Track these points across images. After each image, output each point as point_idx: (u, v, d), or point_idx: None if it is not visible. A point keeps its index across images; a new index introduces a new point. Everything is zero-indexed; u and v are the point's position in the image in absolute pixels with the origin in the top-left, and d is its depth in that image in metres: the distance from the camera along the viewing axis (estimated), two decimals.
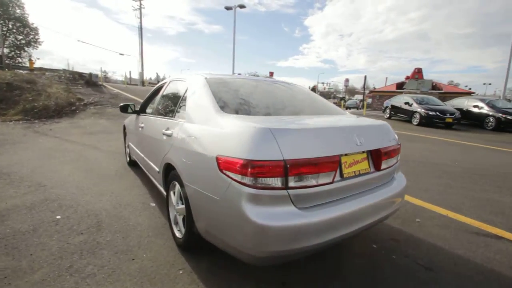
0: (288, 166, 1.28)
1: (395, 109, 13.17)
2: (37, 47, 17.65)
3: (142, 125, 2.87)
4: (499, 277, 1.80)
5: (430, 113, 10.75)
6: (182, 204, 1.86)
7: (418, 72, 32.55)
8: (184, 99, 2.12)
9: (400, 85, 33.18)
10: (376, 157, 1.71)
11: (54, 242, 2.00)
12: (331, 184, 1.43)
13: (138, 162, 3.34)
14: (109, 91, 13.48)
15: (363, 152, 1.63)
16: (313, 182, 1.37)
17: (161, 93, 2.74)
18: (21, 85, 9.57)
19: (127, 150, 4.14)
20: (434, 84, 30.62)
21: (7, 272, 1.64)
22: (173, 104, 2.35)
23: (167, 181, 2.16)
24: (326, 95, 63.99)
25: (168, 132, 2.04)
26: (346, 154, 1.52)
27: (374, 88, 41.34)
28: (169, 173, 2.08)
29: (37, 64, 15.86)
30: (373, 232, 2.29)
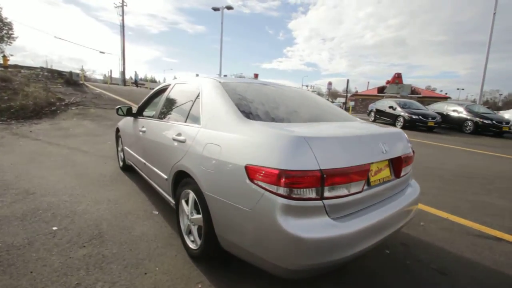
0: (324, 176, 1.25)
1: (379, 113, 13.59)
2: (10, 43, 16.52)
3: (144, 129, 2.74)
4: (509, 280, 1.87)
5: (414, 117, 11.19)
6: (198, 213, 1.78)
7: (398, 77, 33.91)
8: (196, 103, 2.03)
9: (381, 89, 34.41)
10: (396, 164, 1.72)
11: (55, 257, 1.84)
12: (360, 193, 1.42)
13: (136, 167, 3.19)
14: (91, 91, 12.90)
15: (386, 159, 1.63)
16: (345, 192, 1.35)
17: (165, 96, 2.63)
18: None
19: (121, 154, 3.96)
20: (413, 88, 32.01)
21: None
22: (182, 108, 2.25)
23: (176, 188, 2.06)
24: None
25: (181, 138, 1.95)
26: (372, 162, 1.51)
27: (357, 91, 42.54)
28: (180, 180, 1.99)
29: (10, 61, 14.86)
30: None
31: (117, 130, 4.05)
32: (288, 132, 1.33)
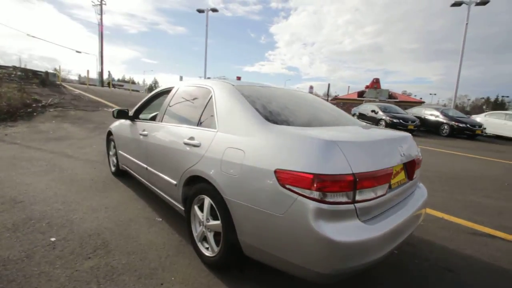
0: (357, 179, 1.26)
1: (362, 116, 14.04)
2: None
3: (145, 132, 2.64)
4: (508, 274, 1.98)
5: (394, 120, 11.68)
6: (215, 219, 1.74)
7: (376, 82, 35.27)
8: (209, 107, 1.99)
9: (361, 94, 35.62)
10: (410, 167, 1.77)
11: (59, 270, 1.72)
12: (384, 196, 1.45)
13: (133, 173, 3.06)
14: (70, 92, 12.27)
15: (404, 162, 1.68)
16: (373, 195, 1.37)
17: (169, 99, 2.55)
18: None
19: (113, 159, 3.79)
20: (390, 93, 33.44)
21: None
22: (192, 112, 2.19)
23: (187, 194, 2.00)
24: None
25: (194, 142, 1.89)
26: (394, 166, 1.55)
27: (337, 95, 43.77)
28: (192, 186, 1.94)
29: None
30: None
31: (109, 134, 3.87)
32: (320, 137, 1.34)
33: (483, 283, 1.86)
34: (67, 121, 8.31)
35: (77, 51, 29.27)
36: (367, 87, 36.19)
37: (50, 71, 13.26)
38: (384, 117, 12.24)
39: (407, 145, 1.78)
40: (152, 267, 1.81)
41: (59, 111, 9.06)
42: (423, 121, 12.54)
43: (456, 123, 11.18)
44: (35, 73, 12.50)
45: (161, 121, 2.51)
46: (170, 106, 2.51)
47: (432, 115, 12.48)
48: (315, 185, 1.23)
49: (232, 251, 1.63)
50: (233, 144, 1.61)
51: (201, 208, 1.90)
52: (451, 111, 12.68)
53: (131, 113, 3.22)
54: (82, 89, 13.91)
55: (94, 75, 33.58)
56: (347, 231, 1.25)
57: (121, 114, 3.15)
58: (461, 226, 2.78)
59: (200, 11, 19.60)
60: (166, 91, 2.82)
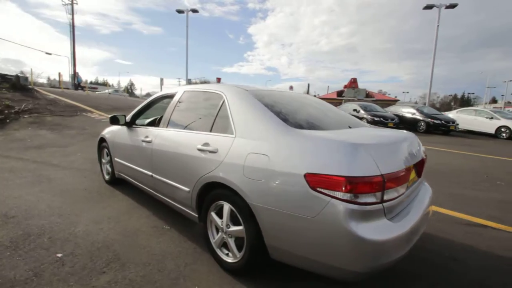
0: (385, 180, 1.32)
1: None
2: None
3: (148, 139, 2.56)
4: (506, 261, 2.15)
5: (375, 118, 12.15)
6: (237, 225, 1.73)
7: (354, 82, 36.54)
8: (223, 112, 1.98)
9: (339, 93, 36.72)
10: (419, 165, 1.88)
11: (75, 287, 1.63)
12: (404, 194, 1.53)
13: (134, 181, 2.96)
14: (44, 97, 11.56)
15: (416, 162, 1.77)
16: (396, 194, 1.44)
17: (174, 104, 2.49)
18: None
19: (106, 166, 3.64)
20: (367, 92, 34.77)
21: None
22: (203, 117, 2.17)
23: (202, 201, 1.98)
24: None
25: (210, 148, 1.88)
26: (411, 165, 1.64)
27: (317, 95, 44.76)
28: (208, 192, 1.92)
29: None
30: None
31: (101, 140, 3.71)
32: (349, 141, 1.39)
33: (488, 269, 2.01)
34: (44, 127, 7.84)
35: (47, 53, 27.61)
36: (345, 86, 37.37)
37: (21, 74, 12.40)
38: (365, 116, 12.70)
39: (416, 144, 1.89)
40: (172, 277, 1.77)
41: (35, 117, 8.53)
42: (401, 119, 13.16)
43: (432, 120, 11.85)
44: (4, 77, 11.66)
45: (167, 127, 2.46)
46: (175, 112, 2.46)
47: (409, 112, 13.13)
48: (347, 188, 1.27)
49: (257, 256, 1.64)
50: (256, 149, 1.62)
51: (218, 214, 1.89)
52: (426, 109, 13.41)
53: (128, 118, 3.11)
54: (56, 93, 13.15)
55: (66, 78, 31.90)
56: (378, 230, 1.30)
57: (118, 120, 3.03)
58: (455, 217, 2.97)
59: (179, 11, 19.24)
60: (168, 96, 2.76)
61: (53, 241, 2.14)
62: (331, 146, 1.40)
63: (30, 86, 12.66)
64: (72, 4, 28.06)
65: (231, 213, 1.77)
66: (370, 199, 1.30)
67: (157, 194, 2.54)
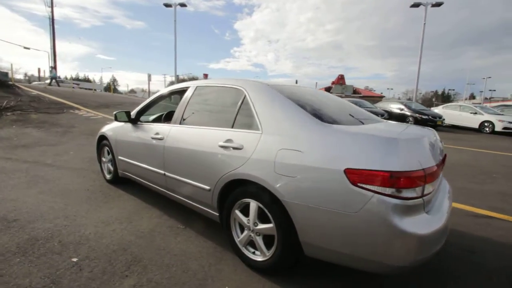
0: (426, 174, 1.32)
1: None
2: None
3: (160, 136, 2.46)
4: None
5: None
6: (264, 223, 1.69)
7: (341, 78, 37.07)
8: (245, 108, 1.92)
9: (327, 89, 37.13)
10: (443, 160, 1.90)
11: None
12: (435, 188, 1.53)
13: (142, 180, 2.85)
14: (26, 93, 10.98)
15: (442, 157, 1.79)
16: (431, 188, 1.44)
17: (186, 100, 2.40)
18: None
19: (108, 165, 3.49)
20: (354, 89, 35.38)
21: None
22: (221, 113, 2.10)
23: (225, 199, 1.93)
24: None
25: (234, 144, 1.82)
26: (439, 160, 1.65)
27: None
28: (231, 190, 1.87)
29: None
30: None
31: (101, 138, 3.56)
32: (390, 135, 1.37)
33: (505, 258, 2.07)
34: (30, 125, 7.45)
35: (25, 47, 26.22)
36: (333, 83, 37.85)
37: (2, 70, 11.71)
38: None
39: (439, 140, 1.90)
40: (199, 278, 1.71)
41: (18, 115, 8.09)
42: (390, 114, 13.45)
43: (420, 115, 12.19)
44: None
45: (180, 124, 2.37)
46: (188, 108, 2.37)
47: (397, 108, 13.45)
48: (391, 183, 1.26)
49: (289, 253, 1.61)
50: (287, 145, 1.57)
51: (243, 212, 1.84)
52: (414, 104, 13.78)
53: (133, 115, 2.99)
54: (39, 90, 12.52)
55: (46, 73, 30.45)
56: (420, 224, 1.30)
57: (124, 117, 2.91)
58: (462, 210, 3.05)
59: (167, 5, 18.71)
60: (177, 92, 2.67)
61: (65, 245, 2.02)
62: (373, 141, 1.38)
63: (10, 82, 12.00)
64: None
65: (259, 211, 1.73)
66: (412, 193, 1.30)
67: (171, 193, 2.46)
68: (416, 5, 15.63)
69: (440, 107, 14.44)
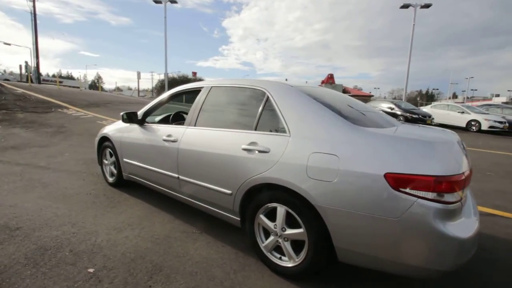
0: (465, 178, 1.32)
1: None
2: None
3: (173, 138, 2.37)
4: None
5: None
6: (294, 228, 1.66)
7: (331, 78, 37.48)
8: (268, 110, 1.87)
9: None
10: None
11: None
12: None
13: (151, 183, 2.75)
14: (10, 91, 10.47)
15: None
16: (465, 192, 1.45)
17: (201, 101, 2.32)
18: None
19: (110, 168, 3.36)
20: (344, 88, 35.88)
21: None
22: (242, 115, 2.05)
23: (248, 204, 1.88)
24: None
25: (259, 147, 1.76)
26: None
27: None
28: (255, 194, 1.82)
29: None
30: None
31: (103, 140, 3.41)
32: (431, 139, 1.37)
33: None
34: (17, 125, 7.12)
35: (6, 43, 24.96)
36: (323, 82, 38.20)
37: None
38: None
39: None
40: (227, 285, 1.66)
41: (4, 114, 7.70)
42: None
43: (410, 115, 12.48)
44: None
45: (195, 125, 2.29)
46: (204, 109, 2.29)
47: (388, 107, 13.71)
48: (435, 187, 1.25)
49: (321, 259, 1.58)
50: (321, 149, 1.54)
51: (269, 217, 1.80)
52: (403, 104, 14.09)
53: (139, 116, 2.88)
54: (24, 88, 11.98)
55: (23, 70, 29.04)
56: (461, 228, 1.30)
57: (132, 118, 2.80)
58: None
59: (157, 1, 18.29)
60: (190, 92, 2.58)
61: (77, 255, 1.92)
62: (414, 145, 1.37)
63: None
64: None
65: (287, 215, 1.69)
66: (453, 197, 1.29)
67: (185, 197, 2.38)
68: (405, 6, 15.99)
69: (429, 106, 14.85)
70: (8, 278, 1.63)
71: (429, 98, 70.58)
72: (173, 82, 28.08)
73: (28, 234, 2.15)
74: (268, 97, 1.91)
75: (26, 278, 1.65)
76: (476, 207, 1.70)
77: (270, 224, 1.78)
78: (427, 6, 15.52)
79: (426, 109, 14.43)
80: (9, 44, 24.21)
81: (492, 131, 11.80)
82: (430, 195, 1.26)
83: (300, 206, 1.59)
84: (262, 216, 1.82)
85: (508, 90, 50.89)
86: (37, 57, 26.87)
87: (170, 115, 3.34)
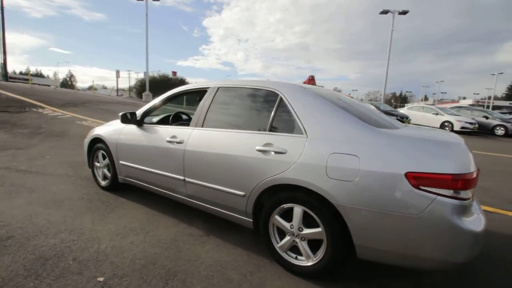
0: (476, 177, 1.42)
1: None
2: None
3: (178, 139, 2.31)
4: None
5: None
6: (311, 227, 1.68)
7: (312, 79, 38.24)
8: (282, 111, 1.88)
9: None
10: None
11: None
12: None
13: (152, 186, 2.65)
14: None
15: None
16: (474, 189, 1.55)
17: (208, 101, 2.28)
18: None
19: (103, 171, 3.20)
20: None
21: None
22: (255, 116, 2.04)
23: (262, 205, 1.88)
24: None
25: (275, 148, 1.77)
26: None
27: None
28: (269, 196, 1.83)
29: None
30: None
31: (95, 141, 3.25)
32: (448, 139, 1.45)
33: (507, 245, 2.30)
34: None
35: None
36: (304, 83, 38.92)
37: None
38: None
39: None
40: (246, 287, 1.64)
41: None
42: None
43: (389, 116, 13.06)
44: None
45: (202, 126, 2.25)
46: (212, 110, 2.26)
47: None
48: (453, 185, 1.32)
49: (339, 257, 1.61)
50: (340, 149, 1.57)
51: (284, 217, 1.81)
52: (382, 105, 14.72)
53: (138, 116, 2.77)
54: None
55: None
56: (475, 222, 1.39)
57: (131, 119, 2.70)
58: None
59: None
60: (195, 92, 2.53)
61: (83, 263, 1.81)
62: (431, 145, 1.44)
63: None
64: None
65: (304, 216, 1.71)
66: (467, 194, 1.38)
67: (192, 200, 2.32)
68: (384, 12, 16.74)
69: (405, 108, 15.61)
70: None
71: (402, 100, 74.19)
72: (154, 81, 27.31)
73: (23, 244, 2.00)
74: (281, 98, 1.92)
75: None
76: (478, 203, 1.81)
77: (286, 224, 1.79)
78: (404, 12, 16.37)
79: (403, 110, 15.15)
80: None
81: (464, 132, 12.63)
82: (448, 192, 1.33)
83: (319, 206, 1.62)
84: (277, 217, 1.82)
85: (474, 93, 54.82)
86: (4, 53, 25.07)
87: (169, 115, 3.25)
